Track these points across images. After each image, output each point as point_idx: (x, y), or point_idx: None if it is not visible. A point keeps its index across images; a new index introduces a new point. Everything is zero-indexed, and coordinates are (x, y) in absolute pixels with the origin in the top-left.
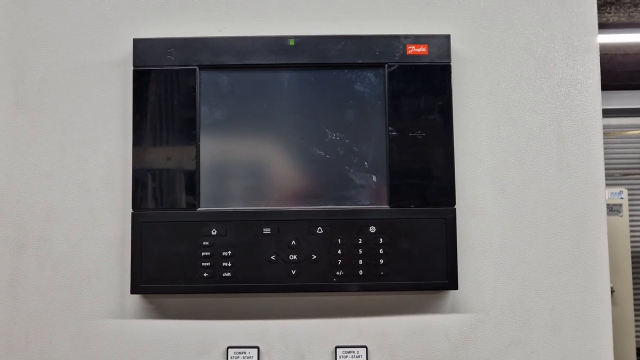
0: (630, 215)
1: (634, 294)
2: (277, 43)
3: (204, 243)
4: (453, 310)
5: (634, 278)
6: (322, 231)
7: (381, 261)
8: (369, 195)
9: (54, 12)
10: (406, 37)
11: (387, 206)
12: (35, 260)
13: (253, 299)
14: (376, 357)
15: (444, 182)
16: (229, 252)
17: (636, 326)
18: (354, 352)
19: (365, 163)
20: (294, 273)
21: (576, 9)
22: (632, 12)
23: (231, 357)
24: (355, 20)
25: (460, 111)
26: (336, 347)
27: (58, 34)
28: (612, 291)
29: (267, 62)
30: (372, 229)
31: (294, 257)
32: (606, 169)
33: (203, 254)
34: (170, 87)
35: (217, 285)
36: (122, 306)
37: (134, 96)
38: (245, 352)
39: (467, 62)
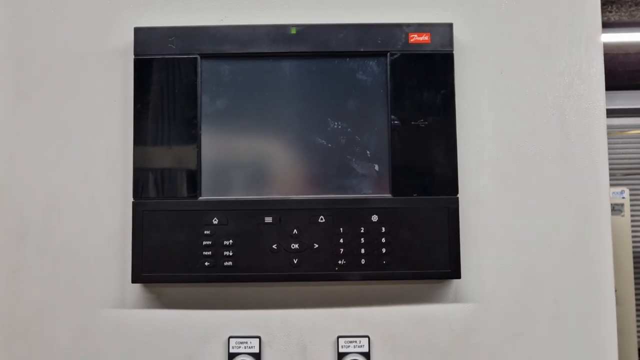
0: (632, 215)
1: (636, 294)
2: (279, 32)
3: (205, 232)
4: (456, 300)
5: (635, 278)
6: (324, 220)
7: (383, 250)
8: (371, 184)
9: (54, 1)
10: (408, 25)
11: (390, 195)
12: (36, 250)
13: (255, 289)
14: (378, 347)
15: (446, 171)
16: (231, 241)
17: (638, 326)
18: (356, 342)
19: (368, 152)
20: (295, 262)
21: None
22: (633, 11)
23: (232, 347)
24: (358, 9)
25: (462, 100)
26: (338, 337)
27: (59, 23)
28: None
29: (269, 51)
30: (375, 218)
31: (296, 246)
32: (608, 168)
33: (204, 243)
34: (171, 76)
35: (218, 275)
36: (123, 296)
37: (135, 85)
38: (246, 342)
39: (469, 51)
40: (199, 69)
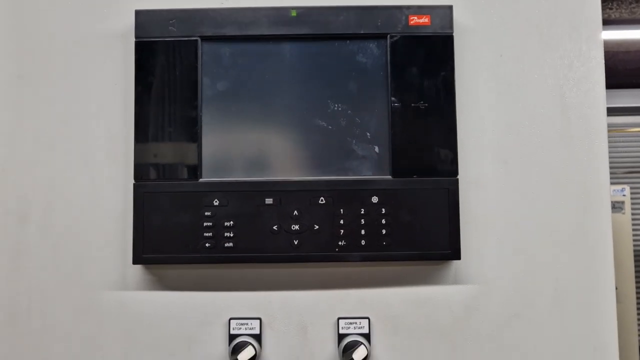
0: (632, 213)
1: (637, 292)
2: (279, 14)
3: (205, 213)
4: (456, 282)
5: (636, 275)
6: (324, 201)
7: (384, 231)
8: (371, 166)
9: None
10: (408, 7)
11: (390, 177)
12: (38, 232)
13: (255, 270)
14: (379, 328)
15: (446, 153)
16: (231, 222)
17: (639, 323)
18: (356, 323)
19: (368, 134)
20: (296, 243)
21: None
22: (633, 8)
23: (233, 329)
24: None
25: (462, 83)
26: (338, 319)
27: (60, 6)
28: (615, 288)
29: (269, 34)
30: (375, 199)
31: (296, 227)
32: (609, 166)
33: (205, 224)
34: (172, 59)
35: (219, 256)
36: (124, 278)
37: (136, 67)
38: (247, 324)
39: (469, 33)
40: (199, 52)
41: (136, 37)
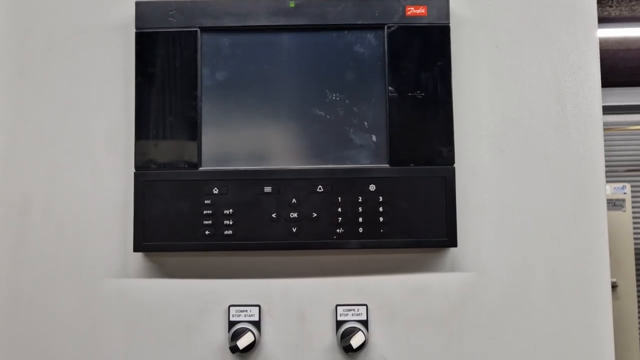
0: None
1: (638, 289)
2: (277, 5)
3: (205, 202)
4: (452, 269)
5: (637, 273)
6: (322, 190)
7: (381, 219)
8: (369, 154)
9: None
10: None
11: (387, 165)
12: (40, 221)
13: (254, 258)
14: (376, 315)
15: (443, 141)
16: (231, 210)
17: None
18: (354, 310)
19: (365, 123)
20: (294, 231)
21: None
22: (633, 5)
23: (233, 316)
24: None
25: (459, 73)
26: (337, 306)
27: None
28: (615, 286)
29: (268, 24)
30: (372, 188)
31: (295, 215)
32: (609, 165)
33: (205, 212)
34: (172, 49)
35: (218, 243)
36: (125, 266)
37: (137, 58)
38: (246, 311)
39: (465, 24)
40: (199, 42)
41: (136, 28)
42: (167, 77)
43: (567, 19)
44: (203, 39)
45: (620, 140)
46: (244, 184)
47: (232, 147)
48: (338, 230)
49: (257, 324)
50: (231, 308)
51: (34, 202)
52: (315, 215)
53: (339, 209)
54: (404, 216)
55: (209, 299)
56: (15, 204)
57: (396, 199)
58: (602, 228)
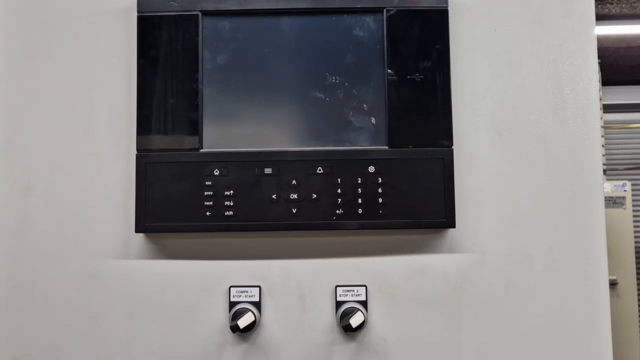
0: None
1: (638, 287)
2: None
3: (206, 183)
4: (451, 251)
5: (637, 271)
6: (322, 171)
7: (380, 200)
8: (368, 136)
9: None
10: None
11: (386, 147)
12: (43, 202)
13: (255, 240)
14: (375, 296)
15: (441, 123)
16: (231, 191)
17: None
18: (353, 291)
19: (365, 105)
20: (294, 212)
21: None
22: (634, 2)
23: (233, 296)
24: None
25: (457, 56)
26: (336, 286)
27: None
28: (616, 283)
29: (268, 8)
30: (372, 169)
31: (295, 196)
32: (610, 163)
33: (205, 193)
34: (173, 33)
35: (219, 224)
36: (126, 247)
37: (138, 42)
38: (247, 291)
39: (464, 7)
40: (200, 26)
41: (138, 12)
42: (169, 60)
43: (566, 3)
44: (204, 23)
45: (620, 138)
46: (245, 165)
47: (233, 129)
48: (337, 211)
49: (257, 305)
50: (232, 289)
51: (37, 184)
52: (315, 196)
53: (339, 190)
54: (403, 197)
55: (209, 280)
56: (18, 186)
57: (395, 180)
58: (599, 209)
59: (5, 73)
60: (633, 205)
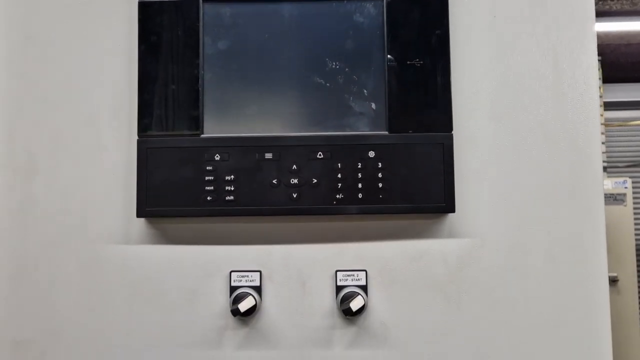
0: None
1: (639, 284)
2: None
3: (207, 168)
4: (450, 236)
5: (638, 268)
6: (322, 156)
7: (380, 185)
8: (368, 121)
9: None
10: None
11: (386, 132)
12: (44, 187)
13: (256, 225)
14: (375, 280)
15: (441, 108)
16: (232, 176)
17: None
18: (353, 275)
19: (365, 91)
20: (295, 196)
21: None
22: None
23: (234, 281)
24: None
25: (456, 41)
26: (336, 271)
27: None
28: (616, 280)
29: None
30: (372, 154)
31: (295, 181)
32: (610, 160)
33: (206, 178)
34: (174, 18)
35: (220, 209)
36: (128, 232)
37: (139, 27)
38: (248, 276)
39: None
40: (200, 12)
41: None
42: (170, 45)
43: None
44: (205, 9)
45: (621, 135)
46: (245, 150)
47: (234, 115)
48: (338, 196)
49: (258, 289)
50: (232, 274)
51: (39, 168)
52: (315, 181)
53: (339, 175)
54: (402, 182)
55: (210, 264)
56: (20, 170)
57: (395, 165)
58: (598, 193)
59: (6, 58)
60: (634, 202)
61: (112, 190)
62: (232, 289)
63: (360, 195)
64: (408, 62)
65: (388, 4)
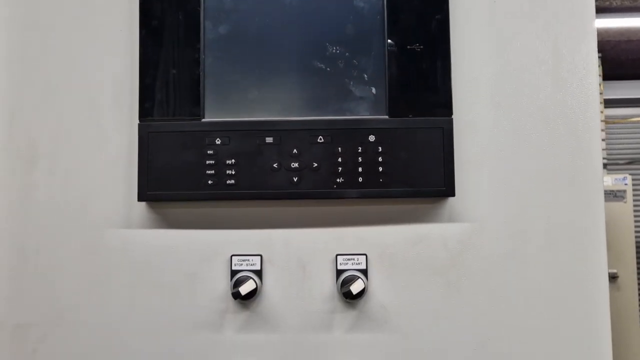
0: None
1: (639, 280)
2: None
3: (208, 152)
4: (450, 220)
5: (638, 265)
6: (323, 140)
7: (380, 169)
8: (368, 106)
9: None
10: None
11: (386, 116)
12: (46, 173)
13: (256, 209)
14: (375, 264)
15: (441, 92)
16: (233, 160)
17: None
18: (354, 259)
19: (365, 75)
20: (295, 180)
21: None
22: None
23: (235, 265)
24: None
25: (457, 26)
26: (337, 255)
27: None
28: (616, 277)
29: None
30: (372, 138)
31: (296, 165)
32: (610, 157)
33: (207, 162)
34: (175, 3)
35: (221, 192)
36: (129, 216)
37: (141, 12)
38: (248, 260)
39: None
40: None
41: None
42: (171, 30)
43: None
44: None
45: (621, 132)
46: (246, 134)
47: (234, 99)
48: (338, 180)
49: (258, 273)
50: (233, 257)
51: (40, 153)
52: (315, 165)
53: (339, 159)
54: (403, 166)
55: (211, 248)
56: (22, 155)
57: (395, 149)
58: (598, 179)
59: (7, 44)
60: (634, 199)
61: (113, 175)
62: (233, 272)
63: (360, 179)
64: (408, 47)
65: None
